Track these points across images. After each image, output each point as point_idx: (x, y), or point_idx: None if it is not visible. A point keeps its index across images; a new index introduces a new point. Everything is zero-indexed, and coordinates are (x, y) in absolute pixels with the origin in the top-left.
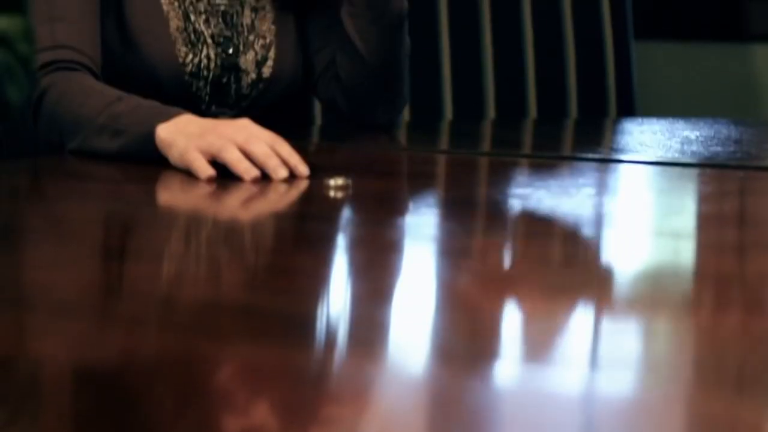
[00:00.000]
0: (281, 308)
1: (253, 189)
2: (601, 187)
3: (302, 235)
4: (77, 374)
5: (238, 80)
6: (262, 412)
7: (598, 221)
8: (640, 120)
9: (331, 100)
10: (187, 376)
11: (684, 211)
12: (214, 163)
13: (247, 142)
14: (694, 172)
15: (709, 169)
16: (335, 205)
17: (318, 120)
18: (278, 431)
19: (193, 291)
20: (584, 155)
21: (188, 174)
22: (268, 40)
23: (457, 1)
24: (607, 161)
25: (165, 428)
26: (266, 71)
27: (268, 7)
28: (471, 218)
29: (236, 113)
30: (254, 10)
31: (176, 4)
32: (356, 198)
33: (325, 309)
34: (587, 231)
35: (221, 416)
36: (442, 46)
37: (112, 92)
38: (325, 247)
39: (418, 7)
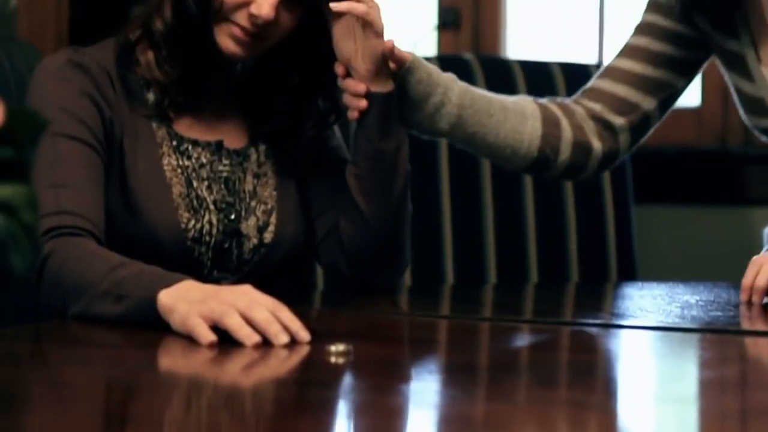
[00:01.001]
0: None
1: (255, 354)
2: (603, 353)
3: (303, 401)
4: None
5: (240, 245)
6: None
7: (601, 387)
8: (640, 284)
9: (332, 264)
10: None
11: (685, 377)
12: (216, 328)
13: (249, 308)
14: (694, 337)
15: (709, 334)
16: (337, 371)
17: (319, 284)
18: None
19: None
20: (585, 321)
21: (190, 339)
22: (269, 206)
23: (459, 165)
24: (608, 326)
25: None
26: (268, 237)
27: (269, 173)
28: (473, 384)
29: (238, 278)
30: (256, 176)
31: (179, 170)
32: (358, 364)
33: None
34: (590, 397)
35: None
36: (443, 209)
37: (115, 258)
38: (327, 413)
39: (420, 171)
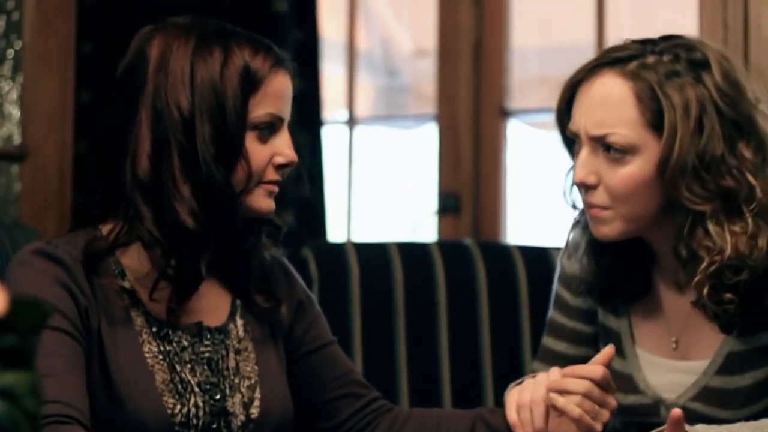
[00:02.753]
0: None
1: None
2: None
3: None
4: None
5: (228, 424)
6: None
7: None
8: None
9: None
10: None
11: None
12: None
13: None
14: None
15: None
16: None
17: None
18: None
19: None
20: None
21: None
22: (253, 381)
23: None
24: None
25: None
26: (254, 412)
27: (250, 347)
28: None
29: None
30: (237, 351)
31: (161, 356)
32: None
33: None
34: None
35: None
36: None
37: None
38: None
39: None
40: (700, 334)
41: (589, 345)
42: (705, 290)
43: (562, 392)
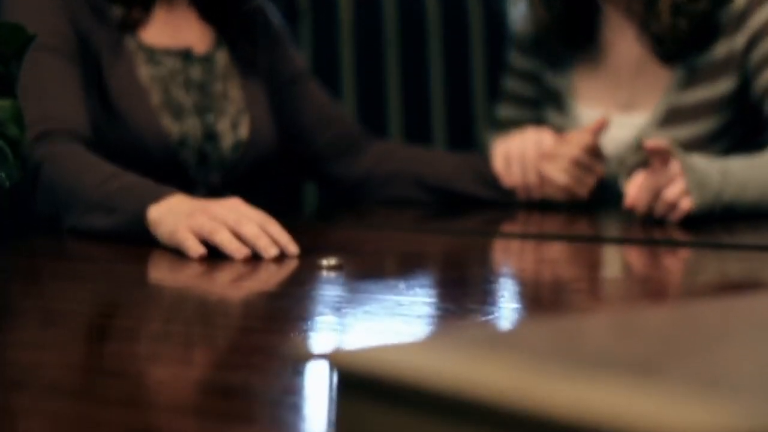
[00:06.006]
0: (267, 389)
1: (244, 268)
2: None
3: (292, 313)
4: None
5: (219, 146)
6: None
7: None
8: None
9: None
10: None
11: None
12: (205, 243)
13: (237, 222)
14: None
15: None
16: (327, 285)
17: (307, 200)
18: None
19: (178, 370)
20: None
21: (180, 253)
22: (240, 106)
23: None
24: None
25: None
26: (243, 132)
27: (236, 77)
28: (465, 297)
29: (223, 179)
30: (224, 77)
31: (155, 80)
32: (349, 277)
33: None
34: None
35: None
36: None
37: (107, 168)
38: (317, 325)
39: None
40: (644, 89)
41: (532, 108)
42: (660, 13)
43: (550, 159)
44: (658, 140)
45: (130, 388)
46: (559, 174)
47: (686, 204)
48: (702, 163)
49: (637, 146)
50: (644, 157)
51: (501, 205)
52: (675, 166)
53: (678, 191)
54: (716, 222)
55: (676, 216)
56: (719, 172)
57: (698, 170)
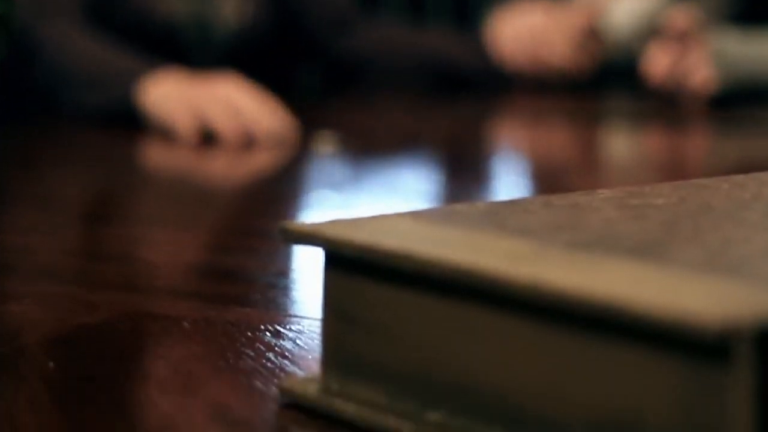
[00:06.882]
0: (262, 272)
1: (240, 150)
2: None
3: (286, 192)
4: (57, 338)
5: (217, 27)
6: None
7: None
8: None
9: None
10: (169, 338)
11: None
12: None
13: (233, 99)
14: None
15: None
16: (324, 165)
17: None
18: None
19: (173, 253)
20: None
21: (174, 137)
22: None
23: None
24: None
25: (153, 392)
26: (243, 12)
27: None
28: (465, 175)
29: (222, 61)
30: None
31: None
32: (347, 157)
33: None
34: None
35: (203, 377)
36: None
37: (102, 45)
38: (312, 203)
39: None
40: None
41: None
42: None
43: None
44: (680, 15)
45: (125, 271)
46: (554, 59)
47: (708, 83)
48: (733, 47)
49: (653, 20)
50: (661, 29)
51: (502, 85)
52: (699, 49)
53: (701, 78)
54: (742, 102)
55: (698, 96)
56: (748, 55)
57: (727, 54)
